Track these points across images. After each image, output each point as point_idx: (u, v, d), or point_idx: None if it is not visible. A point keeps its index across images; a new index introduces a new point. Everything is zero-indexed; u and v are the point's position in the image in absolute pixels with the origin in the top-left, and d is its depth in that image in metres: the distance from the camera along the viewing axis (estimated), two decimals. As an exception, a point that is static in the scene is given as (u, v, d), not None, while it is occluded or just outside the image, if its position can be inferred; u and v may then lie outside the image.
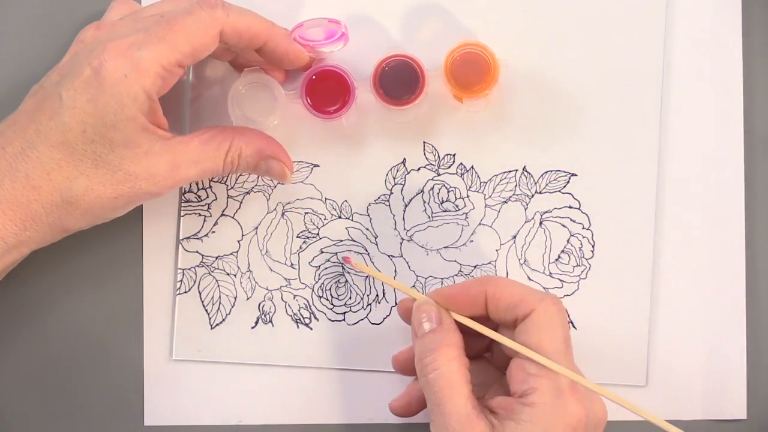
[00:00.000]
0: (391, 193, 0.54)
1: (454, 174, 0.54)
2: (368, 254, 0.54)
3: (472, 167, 0.54)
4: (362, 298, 0.54)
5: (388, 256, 0.54)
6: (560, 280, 0.54)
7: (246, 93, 0.50)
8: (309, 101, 0.51)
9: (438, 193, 0.54)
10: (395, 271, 0.54)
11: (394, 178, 0.54)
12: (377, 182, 0.54)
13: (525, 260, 0.54)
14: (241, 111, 0.50)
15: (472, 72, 0.50)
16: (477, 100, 0.51)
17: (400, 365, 0.48)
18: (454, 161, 0.54)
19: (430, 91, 0.51)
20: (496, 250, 0.54)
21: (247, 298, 0.54)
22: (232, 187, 0.54)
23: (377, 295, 0.54)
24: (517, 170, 0.54)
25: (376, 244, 0.54)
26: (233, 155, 0.47)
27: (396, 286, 0.50)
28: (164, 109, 0.46)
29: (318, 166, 0.54)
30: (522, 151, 0.54)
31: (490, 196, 0.54)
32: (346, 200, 0.54)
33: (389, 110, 0.51)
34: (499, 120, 0.53)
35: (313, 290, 0.54)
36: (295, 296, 0.54)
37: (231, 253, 0.54)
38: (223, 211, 0.54)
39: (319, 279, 0.54)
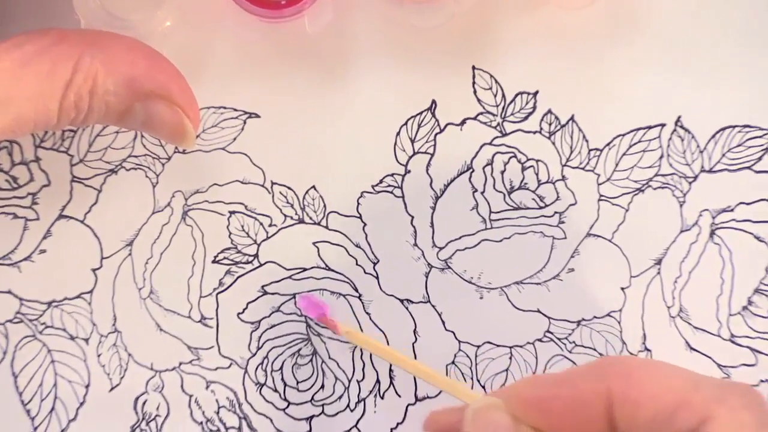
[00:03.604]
0: (408, 171, 0.37)
1: (534, 132, 0.36)
2: (360, 298, 0.37)
3: (572, 119, 0.36)
4: (347, 388, 0.37)
5: (401, 300, 0.37)
6: (753, 349, 0.37)
7: (108, -37, 0.38)
8: (236, -20, 0.38)
9: (503, 172, 0.36)
10: (415, 332, 0.37)
11: (412, 141, 0.37)
12: (378, 150, 0.37)
13: (680, 309, 0.36)
14: (98, 1, 0.37)
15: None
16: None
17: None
18: (534, 107, 0.36)
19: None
20: (623, 289, 0.37)
21: (112, 388, 0.38)
22: (82, 159, 0.38)
23: (378, 382, 0.37)
24: (662, 125, 0.36)
25: (377, 277, 0.37)
26: (80, 88, 0.34)
27: (422, 374, 0.34)
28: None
29: (257, 116, 0.38)
30: (672, 90, 0.36)
31: (609, 178, 0.36)
32: (313, 187, 0.37)
33: (399, 3, 0.36)
34: (625, 27, 0.37)
35: (246, 371, 0.38)
36: (209, 384, 0.38)
37: (79, 296, 0.38)
38: (64, 207, 0.38)
39: (259, 348, 0.37)
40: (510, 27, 0.36)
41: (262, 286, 0.36)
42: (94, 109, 0.34)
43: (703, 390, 0.31)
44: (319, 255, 0.36)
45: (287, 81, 0.37)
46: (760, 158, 0.35)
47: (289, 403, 0.36)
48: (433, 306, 0.36)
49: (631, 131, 0.36)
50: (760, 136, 0.35)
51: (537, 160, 0.36)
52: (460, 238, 0.36)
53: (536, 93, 0.36)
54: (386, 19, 0.37)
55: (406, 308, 0.36)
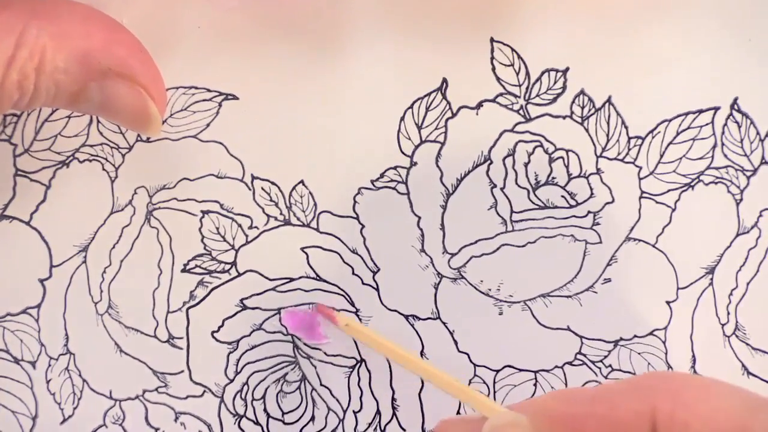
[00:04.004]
0: (414, 163, 0.34)
1: (564, 117, 0.33)
2: (357, 313, 0.34)
3: (609, 101, 0.33)
4: (341, 420, 0.34)
5: (406, 317, 0.34)
6: (822, 375, 0.33)
7: None
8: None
9: (527, 164, 0.34)
10: (422, 354, 0.34)
11: (419, 128, 0.34)
12: (378, 138, 0.34)
13: (736, 326, 0.34)
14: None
15: None
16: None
17: None
18: (564, 87, 0.33)
19: None
20: (668, 303, 0.34)
21: (63, 420, 0.35)
22: (27, 149, 0.35)
23: (378, 413, 0.34)
24: (716, 109, 0.33)
25: (377, 289, 0.34)
26: (25, 66, 0.32)
27: (443, 383, 0.31)
28: None
29: (234, 98, 0.35)
30: (727, 67, 0.33)
31: (652, 172, 0.34)
32: (302, 182, 0.34)
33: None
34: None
35: (222, 400, 0.35)
36: (178, 416, 0.35)
37: (24, 311, 0.35)
38: (6, 206, 0.35)
39: (237, 372, 0.35)
40: (534, -8, 0.32)
41: (241, 300, 0.33)
42: (41, 90, 0.32)
43: (764, 415, 0.29)
44: (308, 262, 0.33)
45: (270, 57, 0.33)
46: (831, 148, 0.32)
47: (273, 438, 0.33)
48: (444, 323, 0.33)
49: (679, 116, 0.32)
50: (832, 122, 0.31)
51: (567, 150, 0.32)
52: (475, 242, 0.33)
53: (566, 70, 0.32)
54: (388, -17, 0.32)
55: (412, 326, 0.33)
